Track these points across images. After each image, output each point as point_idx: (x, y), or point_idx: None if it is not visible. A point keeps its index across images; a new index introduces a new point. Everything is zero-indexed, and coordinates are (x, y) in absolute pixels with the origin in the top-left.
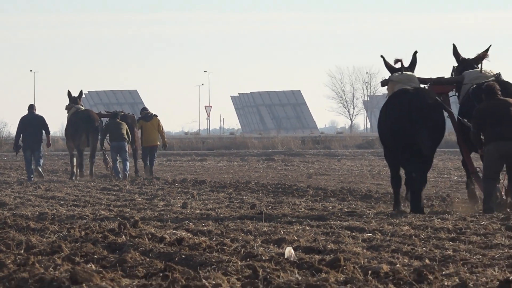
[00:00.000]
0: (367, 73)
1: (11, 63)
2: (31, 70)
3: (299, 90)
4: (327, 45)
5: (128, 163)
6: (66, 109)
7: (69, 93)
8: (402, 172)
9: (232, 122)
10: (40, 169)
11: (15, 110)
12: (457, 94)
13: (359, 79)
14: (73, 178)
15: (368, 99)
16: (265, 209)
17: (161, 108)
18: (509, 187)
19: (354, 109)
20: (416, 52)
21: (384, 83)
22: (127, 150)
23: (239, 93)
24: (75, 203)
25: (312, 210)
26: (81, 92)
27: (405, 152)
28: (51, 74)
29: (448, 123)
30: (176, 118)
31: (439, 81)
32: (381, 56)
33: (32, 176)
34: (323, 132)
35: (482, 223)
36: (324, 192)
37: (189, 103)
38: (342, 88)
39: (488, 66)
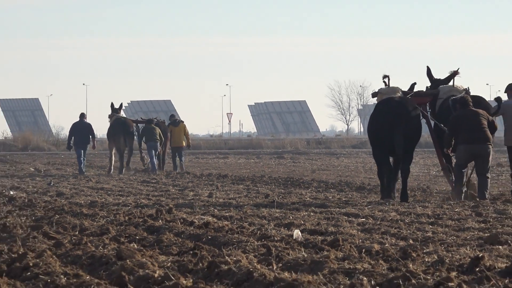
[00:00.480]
0: (360, 86)
1: (67, 78)
2: (83, 84)
3: (305, 100)
4: (327, 63)
5: (157, 160)
6: (108, 117)
7: (111, 105)
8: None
9: (249, 127)
10: (83, 167)
11: (70, 117)
12: (428, 106)
13: (354, 91)
14: (110, 172)
15: (361, 108)
16: (276, 198)
17: (190, 115)
18: (478, 185)
19: (350, 115)
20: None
21: (374, 94)
22: (160, 150)
23: (255, 103)
24: (120, 193)
25: (316, 199)
26: (121, 104)
27: (389, 149)
28: (100, 87)
29: (426, 127)
30: (203, 123)
31: (419, 93)
32: (386, 75)
33: (84, 170)
34: (324, 134)
35: (456, 210)
36: (325, 184)
37: (214, 110)
38: (340, 98)
39: (458, 81)
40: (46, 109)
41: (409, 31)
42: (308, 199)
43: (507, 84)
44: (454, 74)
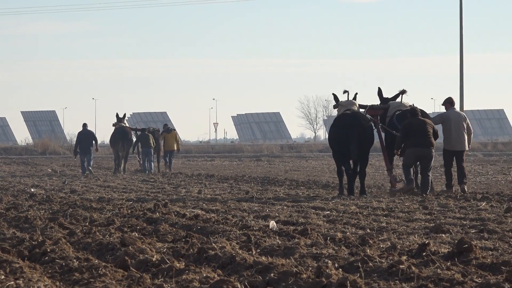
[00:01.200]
0: (325, 100)
1: (79, 93)
2: (93, 98)
3: (279, 112)
4: (299, 81)
5: (152, 163)
6: (113, 125)
7: (117, 115)
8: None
9: (232, 134)
10: (91, 168)
11: (82, 127)
12: (379, 118)
13: (320, 104)
14: (116, 172)
15: (326, 118)
16: (255, 194)
17: (183, 124)
18: (422, 181)
19: (316, 125)
20: (356, 93)
21: (335, 106)
22: (152, 154)
23: (237, 114)
24: (124, 190)
25: (288, 195)
26: (124, 115)
27: (345, 154)
28: (107, 101)
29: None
30: (193, 131)
31: (373, 107)
32: (333, 94)
33: (85, 172)
34: (295, 141)
35: (406, 204)
36: (296, 183)
37: (203, 120)
38: (308, 110)
39: (405, 99)
40: (61, 120)
41: (366, 53)
42: (282, 195)
43: (445, 98)
44: (401, 92)
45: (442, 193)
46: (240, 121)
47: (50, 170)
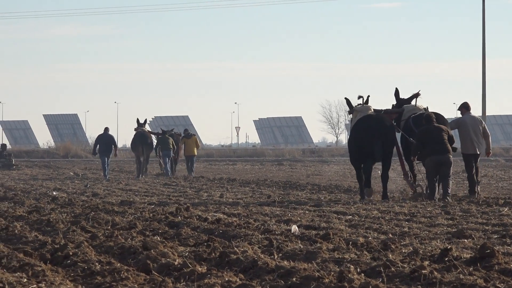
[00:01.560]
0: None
1: (101, 97)
2: (115, 102)
3: (301, 116)
4: (321, 85)
5: (168, 165)
6: (134, 130)
7: (137, 120)
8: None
9: (254, 138)
10: (107, 174)
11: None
12: (395, 122)
13: (342, 108)
14: (139, 176)
15: (348, 123)
16: (277, 198)
17: (205, 128)
18: (443, 186)
19: (338, 129)
20: (368, 95)
21: (350, 111)
22: (171, 156)
23: (259, 118)
24: (146, 194)
25: (310, 199)
26: (145, 120)
27: (369, 157)
28: (129, 104)
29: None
30: (215, 135)
31: (387, 111)
32: (345, 98)
33: (106, 174)
34: (317, 145)
35: (428, 209)
36: (318, 187)
37: (225, 124)
38: (330, 115)
39: (419, 101)
40: (83, 123)
41: (388, 58)
42: (303, 199)
43: (461, 103)
44: (416, 95)
45: (465, 199)
46: (262, 125)
47: (72, 174)
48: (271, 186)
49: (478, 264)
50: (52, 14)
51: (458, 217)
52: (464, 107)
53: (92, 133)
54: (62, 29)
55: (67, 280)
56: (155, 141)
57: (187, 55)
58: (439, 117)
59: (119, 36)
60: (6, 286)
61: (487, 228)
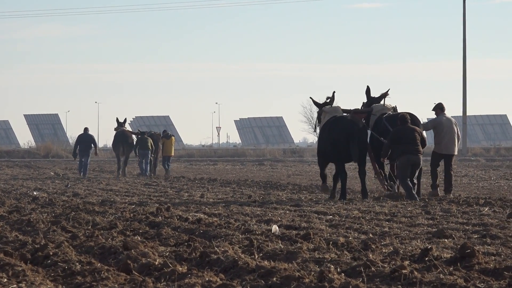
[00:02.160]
0: None
1: (82, 97)
2: (96, 102)
3: (282, 116)
4: (301, 85)
5: (148, 165)
6: (114, 129)
7: (117, 119)
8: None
9: (235, 138)
10: (87, 172)
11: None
12: (364, 120)
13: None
14: (118, 175)
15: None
16: (258, 198)
17: (185, 128)
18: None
19: (319, 129)
20: (334, 91)
21: (319, 112)
22: (150, 156)
23: (240, 118)
24: (126, 194)
25: (291, 199)
26: (125, 119)
27: (341, 156)
28: (110, 104)
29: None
30: (196, 135)
31: (356, 111)
32: (310, 98)
33: (82, 173)
34: (298, 145)
35: (409, 209)
36: (299, 187)
37: (206, 124)
38: (311, 115)
39: (388, 101)
40: (64, 123)
41: (370, 58)
42: (284, 199)
43: (435, 104)
44: (385, 94)
45: (430, 195)
46: (242, 125)
47: (52, 173)
48: (252, 186)
49: (459, 264)
50: (33, 14)
51: (438, 217)
52: (439, 108)
53: (73, 133)
54: (42, 29)
55: (48, 280)
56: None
57: (168, 55)
58: (413, 117)
59: (100, 36)
60: None
61: (467, 228)
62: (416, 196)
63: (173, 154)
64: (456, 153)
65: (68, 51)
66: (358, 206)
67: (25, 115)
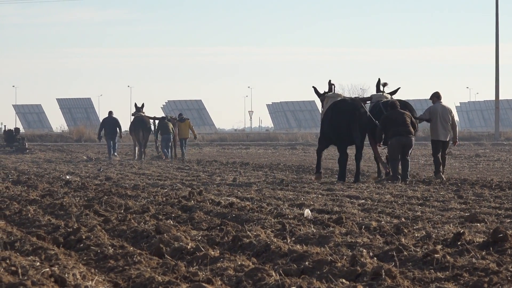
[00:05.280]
0: (360, 88)
1: (114, 81)
2: (128, 86)
3: (314, 100)
4: (334, 69)
5: (170, 150)
6: (132, 115)
7: (135, 104)
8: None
9: (267, 122)
10: (116, 153)
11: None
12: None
13: (355, 92)
14: (135, 159)
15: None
16: (290, 182)
17: (218, 112)
18: (402, 166)
19: None
20: (334, 85)
21: (322, 99)
22: (171, 140)
23: (272, 102)
24: (159, 178)
25: (323, 183)
26: (143, 104)
27: (343, 139)
28: (142, 89)
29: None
30: (228, 119)
31: (356, 99)
32: (313, 87)
33: (111, 155)
34: None
35: (441, 193)
36: (331, 171)
37: (238, 108)
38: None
39: (387, 90)
40: (97, 107)
41: (402, 43)
42: (316, 183)
43: (432, 93)
44: (383, 84)
45: (431, 179)
46: (275, 109)
47: (85, 157)
48: (284, 170)
49: (491, 248)
50: None
51: (471, 201)
52: (436, 96)
53: (105, 117)
54: (75, 14)
55: (80, 264)
56: (152, 126)
57: (201, 39)
58: (406, 104)
59: (133, 20)
60: (19, 270)
61: (500, 212)
62: (399, 177)
63: (189, 136)
64: (448, 139)
65: (101, 35)
66: (391, 191)
67: (57, 99)
